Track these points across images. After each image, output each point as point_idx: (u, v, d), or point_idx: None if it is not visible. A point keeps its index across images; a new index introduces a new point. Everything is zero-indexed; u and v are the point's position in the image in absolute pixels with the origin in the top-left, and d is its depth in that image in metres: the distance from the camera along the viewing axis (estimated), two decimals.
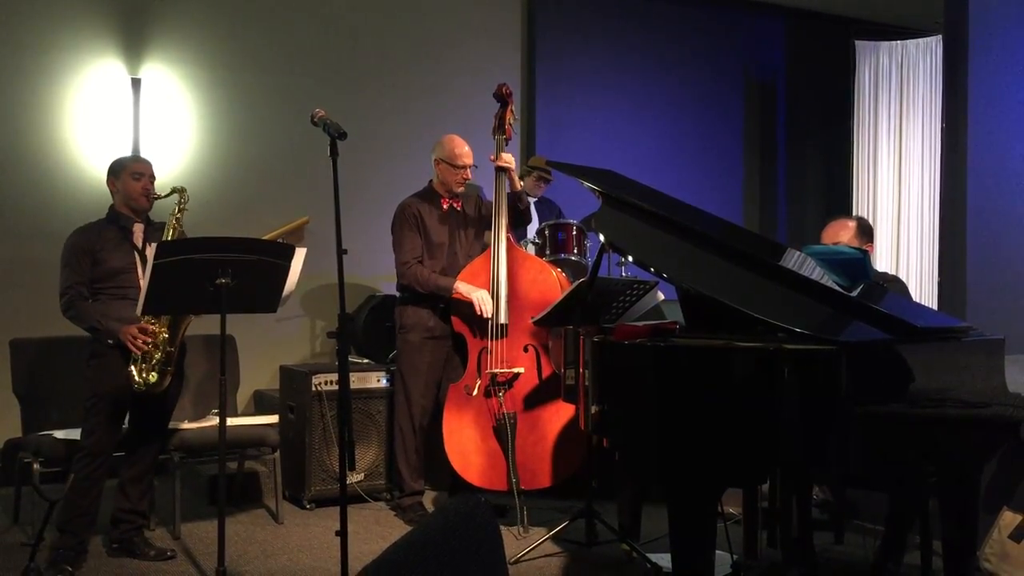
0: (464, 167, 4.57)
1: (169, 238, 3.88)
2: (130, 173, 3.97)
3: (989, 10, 6.80)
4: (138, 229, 4.00)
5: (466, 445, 4.50)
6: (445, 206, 4.64)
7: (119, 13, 5.68)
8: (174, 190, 3.99)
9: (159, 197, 4.00)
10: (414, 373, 4.60)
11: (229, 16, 5.98)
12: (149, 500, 4.18)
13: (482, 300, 4.40)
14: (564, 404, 4.26)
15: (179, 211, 3.96)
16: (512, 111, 4.61)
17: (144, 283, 3.53)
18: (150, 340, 3.77)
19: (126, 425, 4.02)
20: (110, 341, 3.81)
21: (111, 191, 4.02)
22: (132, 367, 3.80)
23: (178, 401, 4.17)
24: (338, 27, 6.28)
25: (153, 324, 3.80)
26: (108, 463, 3.91)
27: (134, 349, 3.76)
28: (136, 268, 3.93)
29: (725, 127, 8.00)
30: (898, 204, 7.46)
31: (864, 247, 3.98)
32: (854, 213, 7.50)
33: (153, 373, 3.82)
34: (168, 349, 3.83)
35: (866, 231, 4.08)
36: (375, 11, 6.40)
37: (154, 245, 3.50)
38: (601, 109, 7.27)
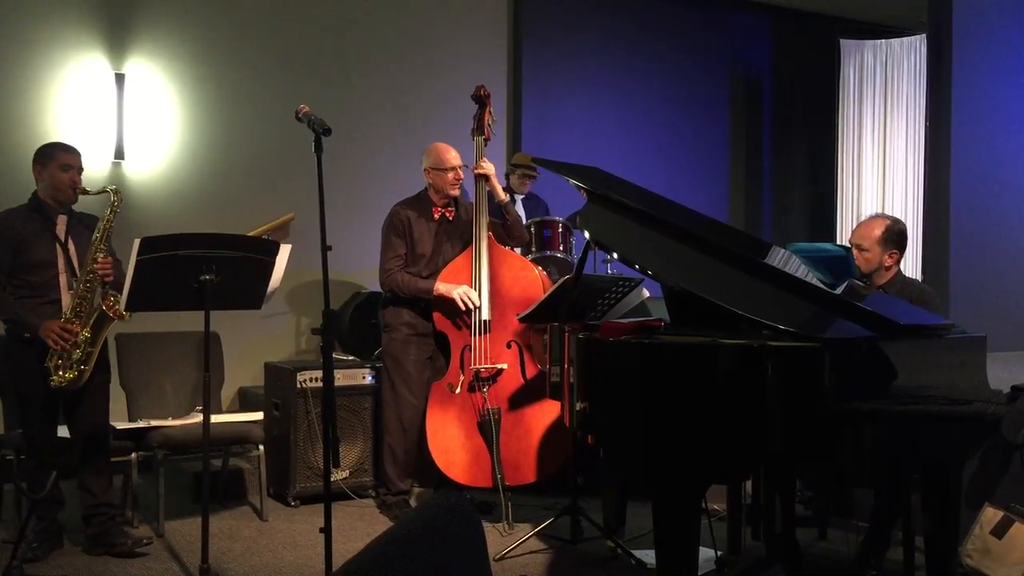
0: (453, 168, 4.57)
1: (101, 241, 3.78)
2: (58, 164, 3.85)
3: (973, 10, 6.84)
4: (61, 221, 3.90)
5: (450, 443, 4.50)
6: (436, 215, 4.64)
7: (103, 8, 5.64)
8: (106, 190, 3.88)
9: (87, 192, 3.89)
10: (401, 371, 4.60)
11: (213, 12, 5.95)
12: (113, 491, 4.11)
13: (464, 294, 4.41)
14: (548, 400, 4.28)
15: (111, 213, 3.83)
16: (490, 112, 4.62)
17: (128, 279, 3.51)
18: (71, 339, 3.72)
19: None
20: (27, 335, 3.75)
21: (35, 179, 3.91)
22: (49, 363, 3.74)
23: (108, 393, 4.10)
24: (323, 23, 6.26)
25: (75, 323, 3.74)
26: (54, 456, 3.88)
27: (53, 346, 3.70)
28: (58, 262, 3.85)
29: (711, 124, 8.02)
30: (882, 202, 7.50)
31: (887, 252, 3.89)
32: (838, 210, 7.55)
33: (71, 371, 3.76)
34: (88, 349, 3.77)
35: (893, 235, 3.88)
36: (361, 7, 6.38)
37: (137, 241, 3.47)
38: (587, 106, 7.27)
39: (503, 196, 4.62)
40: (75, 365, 3.76)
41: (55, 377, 3.73)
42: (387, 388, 4.66)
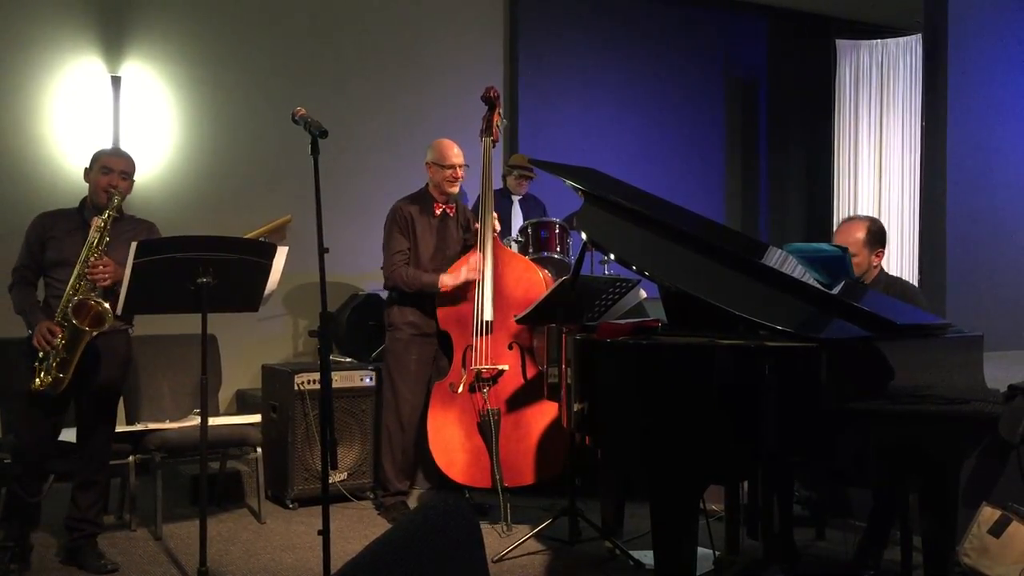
0: (453, 166, 4.58)
1: (97, 244, 3.69)
2: (101, 167, 3.84)
3: (968, 10, 6.86)
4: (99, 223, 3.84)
5: (450, 443, 4.51)
6: (438, 211, 4.66)
7: (99, 11, 5.64)
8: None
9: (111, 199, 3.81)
10: (402, 371, 4.61)
11: (210, 14, 5.95)
12: (98, 508, 4.00)
13: (470, 267, 4.43)
14: (548, 402, 4.28)
15: (108, 216, 3.73)
16: (499, 114, 4.63)
17: (124, 282, 3.48)
18: (53, 341, 3.63)
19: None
20: (29, 331, 3.73)
21: (86, 180, 3.90)
22: (36, 364, 3.68)
23: (119, 401, 4.06)
24: (319, 25, 6.25)
25: (59, 327, 3.65)
26: (41, 462, 3.84)
27: (35, 344, 3.66)
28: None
29: (707, 125, 8.03)
30: (878, 202, 7.51)
31: (874, 252, 3.94)
32: (835, 211, 7.56)
33: (47, 375, 3.66)
34: (63, 356, 3.65)
35: (877, 235, 3.95)
36: (357, 8, 6.38)
37: (134, 244, 3.45)
38: (583, 107, 7.28)
39: (497, 227, 4.65)
40: (53, 370, 3.66)
41: (37, 379, 3.66)
42: (388, 387, 4.66)
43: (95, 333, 3.67)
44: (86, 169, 3.91)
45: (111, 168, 3.83)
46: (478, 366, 4.45)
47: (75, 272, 3.69)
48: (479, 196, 4.76)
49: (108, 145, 5.56)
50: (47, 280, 3.84)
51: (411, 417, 4.61)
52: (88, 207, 3.88)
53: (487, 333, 4.48)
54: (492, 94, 4.64)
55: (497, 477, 4.37)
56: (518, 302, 4.44)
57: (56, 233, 3.81)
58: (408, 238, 4.58)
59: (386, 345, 4.73)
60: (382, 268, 4.63)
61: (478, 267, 4.43)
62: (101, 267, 3.67)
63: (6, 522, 3.83)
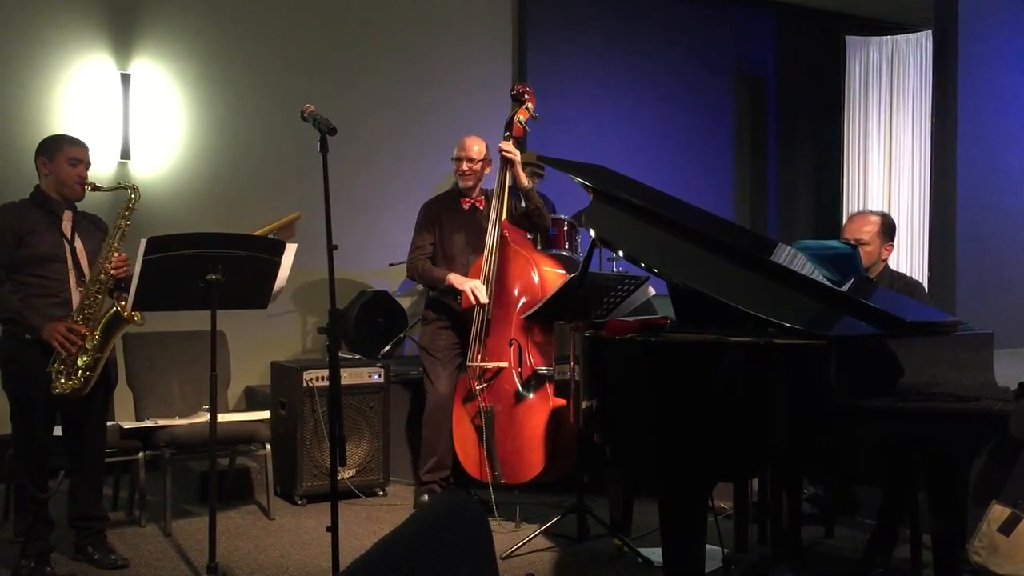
0: (457, 159, 4.66)
1: (116, 240, 3.69)
2: (66, 158, 3.70)
3: (978, 6, 6.83)
4: (67, 217, 3.74)
5: (467, 435, 4.56)
6: (466, 205, 4.69)
7: (108, 8, 5.65)
8: (123, 187, 3.77)
9: (99, 189, 3.78)
10: (430, 361, 4.69)
11: (219, 11, 5.95)
12: (102, 503, 4.01)
13: (474, 288, 4.43)
14: (543, 400, 4.29)
15: (127, 211, 3.73)
16: (527, 109, 4.61)
17: (134, 279, 3.49)
18: (78, 342, 3.56)
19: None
20: (28, 336, 3.59)
21: (40, 172, 3.75)
22: (51, 368, 3.57)
23: (109, 407, 3.99)
24: (328, 22, 6.26)
25: (82, 326, 3.59)
26: (47, 465, 3.77)
27: (59, 349, 3.55)
28: (65, 258, 3.70)
29: (716, 122, 8.01)
30: (888, 199, 7.48)
31: (884, 245, 3.97)
32: (844, 208, 7.54)
33: (75, 378, 3.58)
34: (96, 355, 3.60)
35: (889, 229, 3.99)
36: (366, 7, 6.38)
37: (144, 241, 3.46)
38: (592, 104, 7.27)
39: (525, 182, 4.62)
40: (80, 372, 3.59)
41: (56, 384, 3.57)
42: (425, 378, 4.74)
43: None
44: (43, 160, 3.76)
45: (79, 159, 3.75)
46: (476, 363, 4.47)
47: (97, 267, 3.67)
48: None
49: (118, 142, 5.60)
50: (23, 278, 3.65)
51: (435, 408, 4.63)
52: (54, 200, 3.74)
53: (487, 329, 4.48)
54: (516, 90, 4.66)
55: (495, 473, 4.39)
56: (517, 300, 4.46)
57: (32, 228, 3.66)
58: (434, 234, 4.67)
59: (419, 334, 4.87)
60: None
61: (475, 297, 4.42)
62: (124, 260, 3.65)
63: (17, 519, 3.83)
